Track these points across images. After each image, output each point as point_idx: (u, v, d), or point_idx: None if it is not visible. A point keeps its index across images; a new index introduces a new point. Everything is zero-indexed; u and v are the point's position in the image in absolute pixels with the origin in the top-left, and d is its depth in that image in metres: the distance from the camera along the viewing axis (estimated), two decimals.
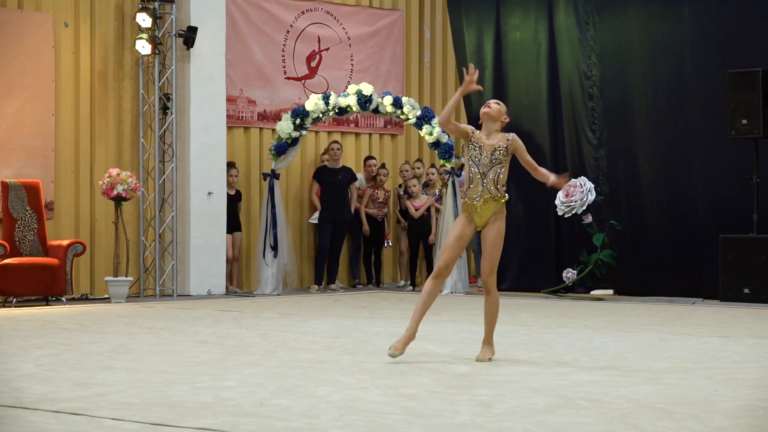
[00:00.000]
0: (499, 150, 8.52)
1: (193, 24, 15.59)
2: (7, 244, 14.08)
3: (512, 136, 8.62)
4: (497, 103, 8.73)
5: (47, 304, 14.19)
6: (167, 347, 9.63)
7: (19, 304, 14.05)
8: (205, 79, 15.82)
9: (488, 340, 8.70)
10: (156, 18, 15.44)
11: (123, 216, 14.89)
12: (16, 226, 14.37)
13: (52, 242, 14.51)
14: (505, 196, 8.64)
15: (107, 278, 14.79)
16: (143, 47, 15.31)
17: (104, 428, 5.99)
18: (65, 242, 14.35)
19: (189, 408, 6.53)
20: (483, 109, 8.64)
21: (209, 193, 15.77)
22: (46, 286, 14.15)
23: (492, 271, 8.58)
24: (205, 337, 10.38)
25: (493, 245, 8.53)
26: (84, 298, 15.10)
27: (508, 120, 8.74)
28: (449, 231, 8.73)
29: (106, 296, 14.95)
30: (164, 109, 15.71)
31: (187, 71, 15.72)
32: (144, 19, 15.25)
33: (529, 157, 8.66)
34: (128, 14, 15.66)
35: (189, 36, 15.49)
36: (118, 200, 14.66)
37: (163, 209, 15.83)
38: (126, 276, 14.97)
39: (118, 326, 11.50)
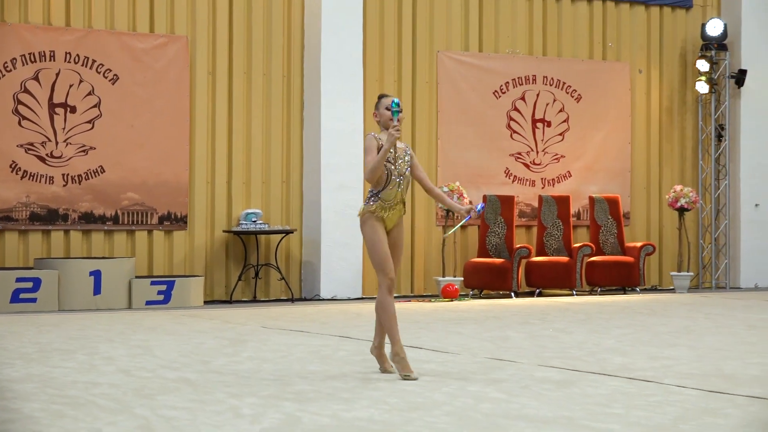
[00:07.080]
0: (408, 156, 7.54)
1: (743, 67, 16.86)
2: (593, 245, 15.53)
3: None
4: None
5: (624, 293, 15.48)
6: (721, 329, 9.97)
7: (602, 293, 15.52)
8: (754, 113, 16.95)
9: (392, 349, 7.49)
10: (713, 63, 16.78)
11: (685, 223, 16.22)
12: (600, 231, 16.00)
13: (628, 244, 15.92)
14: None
15: (672, 273, 16.12)
16: (702, 87, 16.67)
17: (670, 392, 6.18)
18: (639, 244, 15.71)
19: (741, 379, 6.66)
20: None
21: (756, 205, 16.87)
22: (624, 278, 15.51)
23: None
24: (754, 323, 10.72)
25: (402, 246, 7.52)
26: (653, 289, 16.49)
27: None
28: (378, 242, 7.38)
29: (671, 287, 16.40)
30: (719, 137, 16.90)
31: (738, 106, 16.93)
32: (703, 65, 16.66)
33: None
34: (690, 61, 17.12)
35: (740, 77, 16.75)
36: (681, 211, 15.99)
37: (717, 218, 17.03)
38: (687, 271, 16.22)
39: (681, 312, 12.04)
